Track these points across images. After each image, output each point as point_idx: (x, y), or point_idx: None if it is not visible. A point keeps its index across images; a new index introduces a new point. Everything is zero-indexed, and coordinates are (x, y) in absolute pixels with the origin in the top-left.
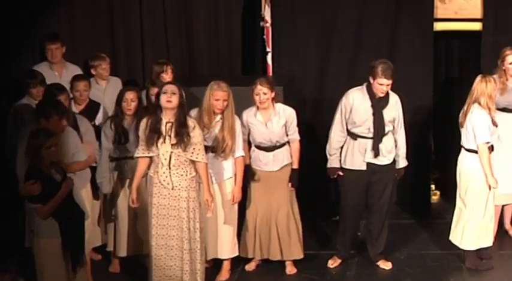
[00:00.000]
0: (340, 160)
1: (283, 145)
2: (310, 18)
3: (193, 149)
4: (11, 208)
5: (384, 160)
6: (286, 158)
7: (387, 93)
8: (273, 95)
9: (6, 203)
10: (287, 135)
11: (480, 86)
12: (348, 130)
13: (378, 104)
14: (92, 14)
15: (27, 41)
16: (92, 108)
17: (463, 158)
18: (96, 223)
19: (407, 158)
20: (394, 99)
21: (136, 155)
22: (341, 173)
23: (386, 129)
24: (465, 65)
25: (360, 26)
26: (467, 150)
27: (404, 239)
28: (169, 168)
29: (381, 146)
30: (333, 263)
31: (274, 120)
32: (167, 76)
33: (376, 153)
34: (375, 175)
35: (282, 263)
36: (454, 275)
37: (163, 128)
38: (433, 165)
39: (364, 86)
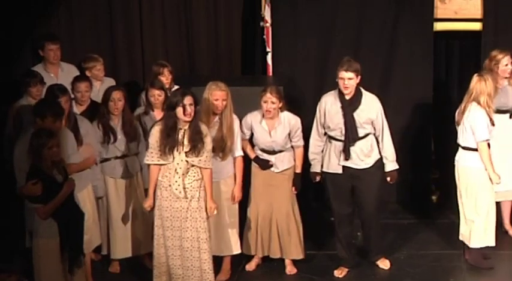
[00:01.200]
0: (322, 165)
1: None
2: (310, 18)
3: (206, 156)
4: (12, 209)
5: (361, 163)
6: (288, 161)
7: (360, 94)
8: (280, 105)
9: (6, 204)
10: (291, 141)
11: (480, 85)
12: (326, 133)
13: (348, 106)
14: (92, 15)
15: (27, 41)
16: (93, 109)
17: (461, 156)
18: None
19: (406, 159)
20: (368, 100)
21: (147, 162)
22: (318, 179)
23: (362, 132)
24: (465, 65)
25: (360, 26)
26: (464, 148)
27: (404, 239)
28: (184, 175)
29: (354, 149)
30: (340, 273)
31: (278, 129)
32: (164, 78)
33: (346, 156)
34: (355, 178)
35: (282, 263)
36: (454, 275)
37: (176, 135)
38: (433, 165)
39: (337, 89)
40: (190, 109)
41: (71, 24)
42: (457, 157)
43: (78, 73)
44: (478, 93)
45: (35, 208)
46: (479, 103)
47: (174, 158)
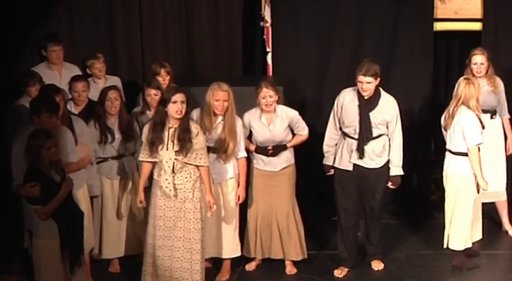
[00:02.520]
0: (334, 158)
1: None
2: (310, 18)
3: (196, 154)
4: (12, 209)
5: (371, 163)
6: (287, 159)
7: (378, 95)
8: (276, 97)
9: (6, 204)
10: (293, 133)
11: (468, 89)
12: (341, 129)
13: (365, 105)
14: (92, 15)
15: (27, 41)
16: (91, 109)
17: (450, 162)
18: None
19: (406, 158)
20: (386, 102)
21: (140, 158)
22: (332, 172)
23: (376, 132)
24: (465, 65)
25: (360, 26)
26: (454, 153)
27: (404, 239)
28: (173, 173)
29: (366, 148)
30: (340, 272)
31: (276, 122)
32: (161, 79)
33: (361, 155)
34: (364, 178)
35: (282, 263)
36: (454, 275)
37: (166, 133)
38: (433, 165)
39: (356, 87)
40: (181, 106)
41: (71, 24)
42: (446, 162)
43: (80, 74)
44: (468, 98)
45: (35, 209)
46: (469, 107)
47: (161, 155)
